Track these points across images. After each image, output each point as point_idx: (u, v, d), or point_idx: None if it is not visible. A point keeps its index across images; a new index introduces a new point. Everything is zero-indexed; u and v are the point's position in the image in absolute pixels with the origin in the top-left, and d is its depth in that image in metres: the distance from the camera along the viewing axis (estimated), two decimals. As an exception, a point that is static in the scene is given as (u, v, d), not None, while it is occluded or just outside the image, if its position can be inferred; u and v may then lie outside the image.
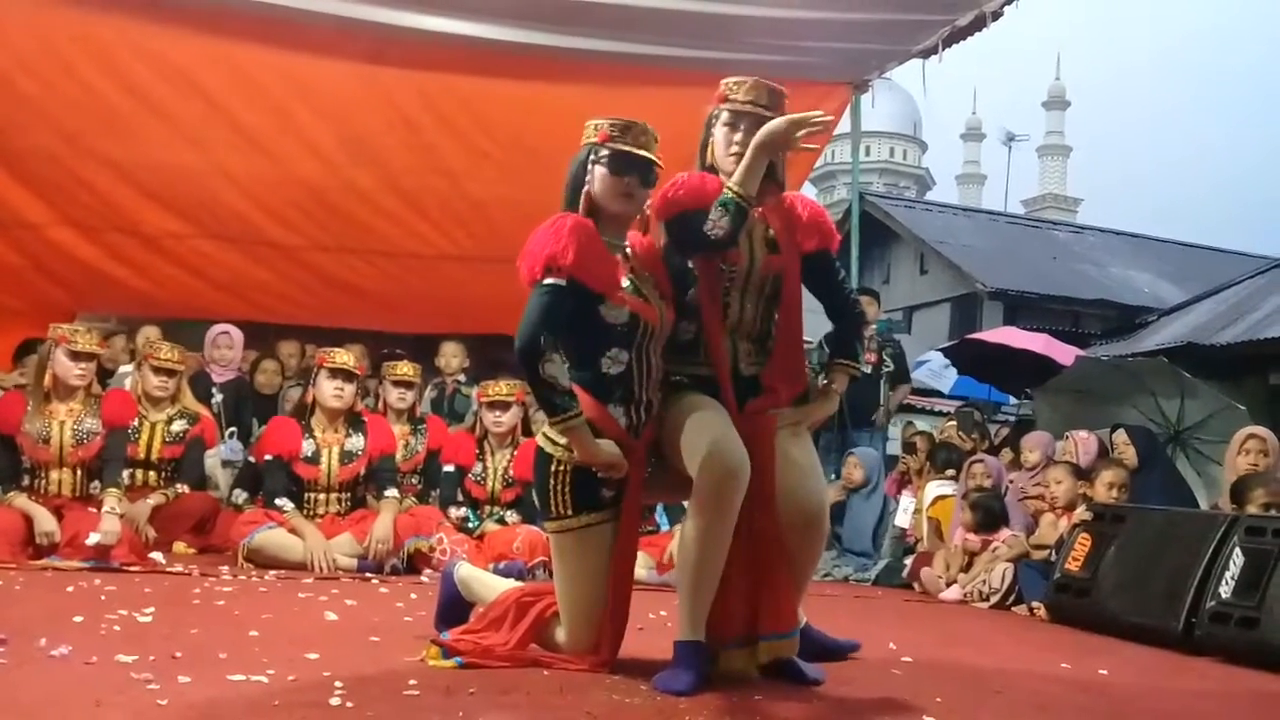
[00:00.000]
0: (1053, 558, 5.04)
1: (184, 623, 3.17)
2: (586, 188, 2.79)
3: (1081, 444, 5.99)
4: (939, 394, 13.74)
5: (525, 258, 2.68)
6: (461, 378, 6.87)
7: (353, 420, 5.36)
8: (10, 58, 5.90)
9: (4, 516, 4.61)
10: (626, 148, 2.78)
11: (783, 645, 2.79)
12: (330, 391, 5.26)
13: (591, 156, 2.79)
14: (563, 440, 2.73)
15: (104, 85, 6.06)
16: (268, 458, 5.21)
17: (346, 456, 5.27)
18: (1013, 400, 12.62)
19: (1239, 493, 4.70)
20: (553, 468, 2.76)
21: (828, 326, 3.17)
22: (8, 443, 4.86)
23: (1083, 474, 5.53)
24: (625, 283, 2.77)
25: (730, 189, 2.74)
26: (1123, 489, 5.22)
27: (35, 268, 6.63)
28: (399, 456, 5.70)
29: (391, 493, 5.28)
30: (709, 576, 2.69)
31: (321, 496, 5.21)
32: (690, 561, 2.70)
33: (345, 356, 5.36)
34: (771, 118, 2.81)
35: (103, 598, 3.59)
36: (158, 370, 5.60)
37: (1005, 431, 8.29)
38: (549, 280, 2.63)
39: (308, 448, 5.23)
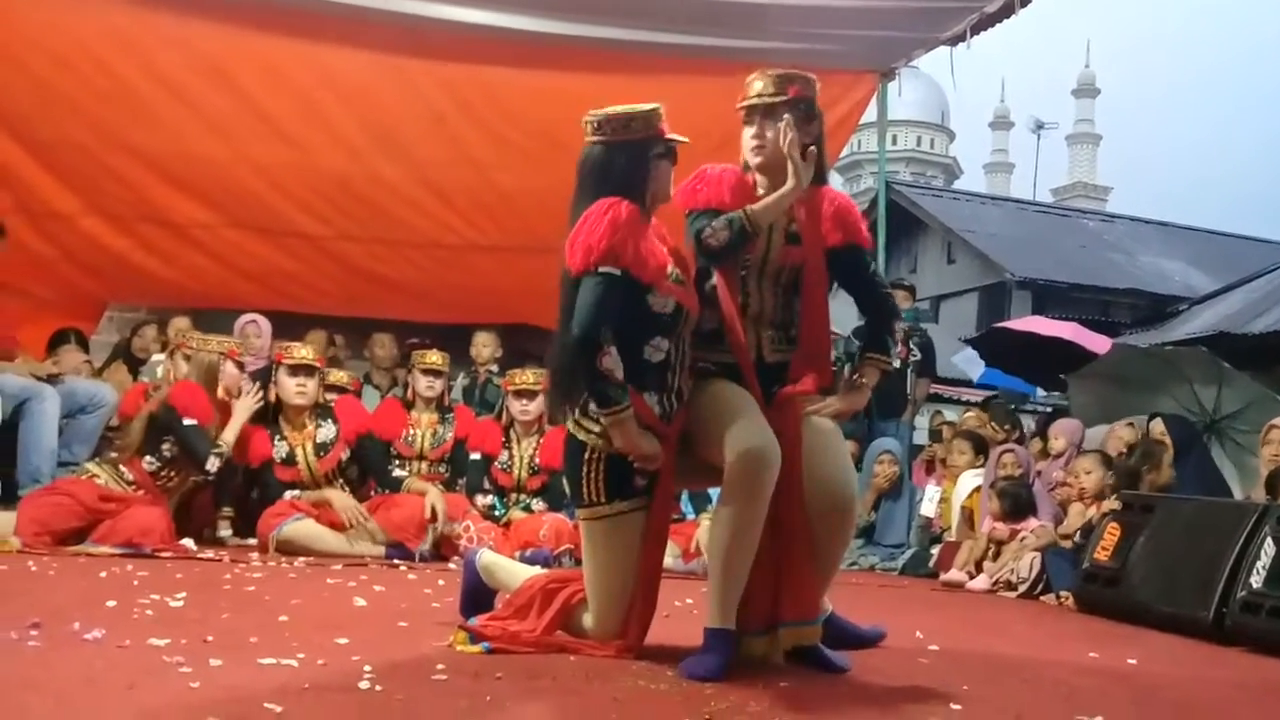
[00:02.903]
0: (1077, 538, 5.04)
1: (215, 607, 3.20)
2: (652, 187, 2.78)
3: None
4: (967, 383, 13.66)
5: (579, 247, 2.66)
6: (494, 367, 6.90)
7: (320, 411, 5.38)
8: (39, 50, 5.93)
9: (44, 504, 4.66)
10: (675, 136, 2.81)
11: (804, 633, 2.80)
12: (293, 389, 5.28)
13: (653, 152, 2.78)
14: (598, 428, 2.73)
15: (133, 76, 6.09)
16: (253, 467, 5.27)
17: (321, 449, 5.30)
18: (1041, 392, 12.52)
19: (1274, 484, 4.67)
20: (586, 455, 2.76)
21: (855, 317, 3.17)
22: (200, 431, 4.97)
23: (1111, 464, 5.51)
24: (669, 271, 2.78)
25: (746, 211, 2.75)
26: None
27: (66, 258, 6.69)
28: (427, 444, 5.75)
29: (398, 473, 5.31)
30: (739, 565, 2.70)
31: (312, 495, 5.23)
32: (721, 550, 2.70)
33: (304, 351, 5.39)
34: (779, 102, 2.84)
35: (135, 583, 3.63)
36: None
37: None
38: (604, 269, 2.62)
39: (280, 450, 5.25)
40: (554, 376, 2.84)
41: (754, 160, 2.92)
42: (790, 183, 2.77)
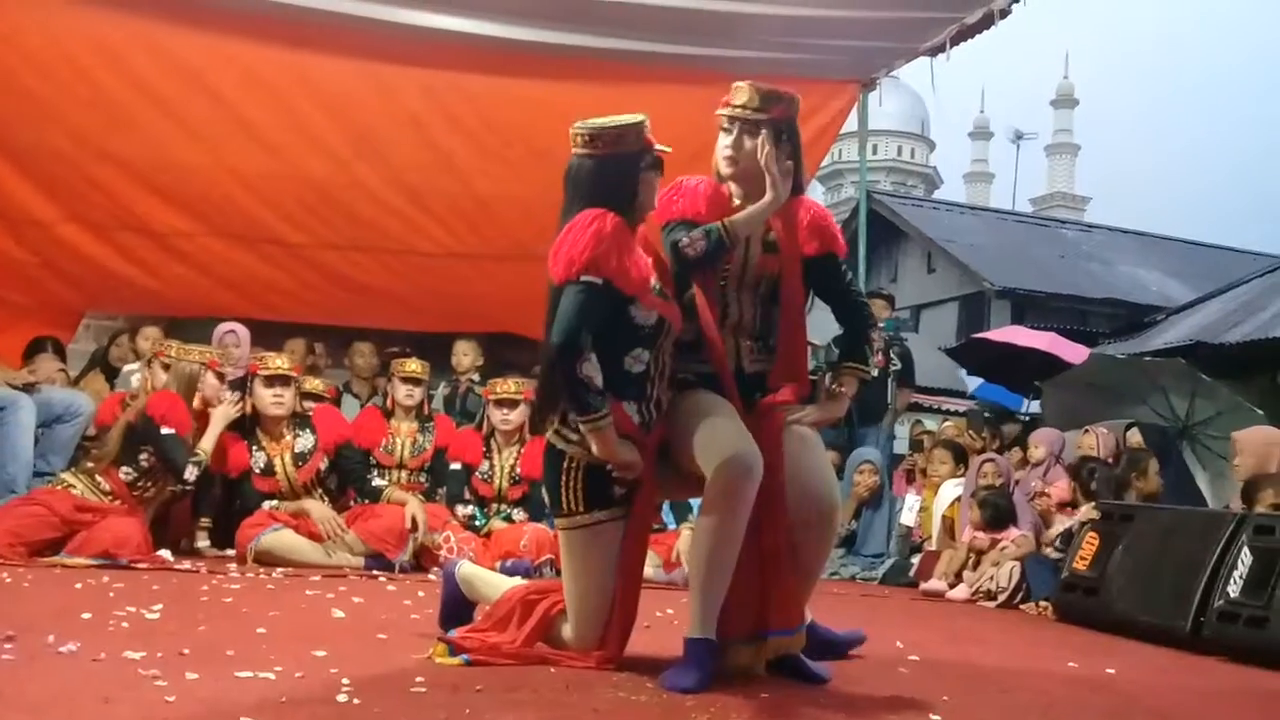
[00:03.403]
0: (1057, 544, 5.07)
1: (192, 620, 3.18)
2: (639, 196, 2.78)
3: (1102, 439, 6.01)
4: (948, 392, 13.68)
5: (562, 257, 2.66)
6: (475, 376, 6.88)
7: (298, 421, 5.36)
8: (19, 56, 5.90)
9: (19, 515, 4.61)
10: (661, 147, 2.82)
11: (789, 642, 2.80)
12: (270, 399, 5.25)
13: (643, 164, 2.79)
14: (575, 437, 2.72)
15: (112, 84, 6.06)
16: (232, 477, 5.24)
17: (299, 459, 5.27)
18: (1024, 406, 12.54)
19: (1248, 493, 4.70)
20: (565, 464, 2.76)
21: (835, 327, 3.18)
22: (178, 441, 4.91)
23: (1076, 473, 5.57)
24: (652, 283, 2.78)
25: (724, 223, 2.77)
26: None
27: (44, 266, 6.63)
28: (407, 453, 5.73)
29: (378, 482, 5.29)
30: (721, 575, 2.70)
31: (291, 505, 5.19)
32: (703, 559, 2.70)
33: (279, 361, 5.36)
34: (761, 120, 2.85)
35: (111, 595, 3.60)
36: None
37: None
38: (586, 278, 2.62)
39: (258, 461, 5.22)
40: (540, 387, 2.84)
41: (725, 170, 2.93)
42: (769, 196, 2.79)
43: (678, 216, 2.87)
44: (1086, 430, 6.28)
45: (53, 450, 5.46)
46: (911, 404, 8.96)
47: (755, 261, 2.91)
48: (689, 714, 2.33)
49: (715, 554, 2.68)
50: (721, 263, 2.86)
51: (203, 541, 5.24)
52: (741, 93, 2.91)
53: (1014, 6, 6.14)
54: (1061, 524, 5.39)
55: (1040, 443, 6.35)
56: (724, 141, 2.93)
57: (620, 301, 2.70)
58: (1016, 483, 6.12)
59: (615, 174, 2.76)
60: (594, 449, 2.69)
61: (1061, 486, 5.80)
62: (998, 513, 5.59)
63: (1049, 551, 5.29)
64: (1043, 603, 4.93)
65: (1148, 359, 8.33)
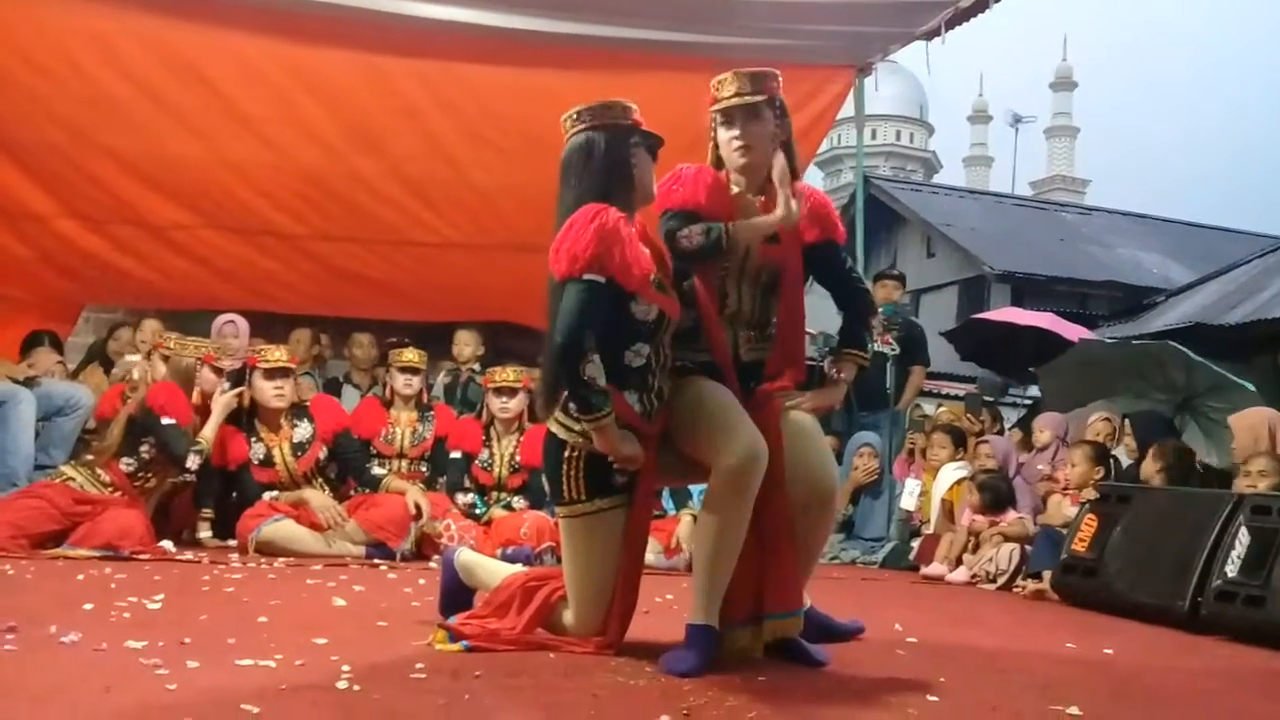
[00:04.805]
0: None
1: (193, 609, 3.19)
2: (636, 177, 2.78)
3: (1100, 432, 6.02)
4: (950, 377, 13.67)
5: (564, 253, 2.65)
6: (476, 366, 6.89)
7: (296, 411, 5.37)
8: (14, 50, 5.89)
9: (19, 508, 4.63)
10: (648, 132, 2.82)
11: (787, 624, 2.82)
12: (271, 392, 5.26)
13: (633, 142, 2.79)
14: (578, 426, 2.73)
15: (108, 77, 6.05)
16: (231, 469, 5.25)
17: (298, 449, 5.29)
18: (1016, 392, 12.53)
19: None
20: (566, 453, 2.77)
21: (832, 315, 3.20)
22: (179, 430, 4.94)
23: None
24: (652, 278, 2.77)
25: (728, 227, 2.78)
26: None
27: (42, 259, 6.63)
28: (407, 442, 5.74)
29: (378, 471, 5.31)
30: (725, 562, 2.72)
31: (291, 495, 5.20)
32: (707, 546, 2.72)
33: (278, 354, 5.37)
34: (759, 102, 2.87)
35: (113, 585, 3.61)
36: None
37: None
38: (588, 276, 2.62)
39: (257, 452, 5.24)
40: (542, 377, 2.85)
41: (739, 161, 2.92)
42: (779, 213, 2.80)
43: (677, 205, 2.87)
44: (1106, 417, 6.27)
45: (53, 443, 5.48)
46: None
47: (756, 253, 2.92)
48: (687, 698, 2.35)
49: (720, 542, 2.70)
50: (724, 256, 2.86)
51: (204, 533, 5.26)
52: (729, 83, 2.90)
53: (1008, -10, 6.11)
54: (1058, 506, 5.38)
55: (1045, 427, 6.35)
56: (729, 134, 2.92)
57: (622, 297, 2.70)
58: (1021, 465, 6.13)
59: (605, 145, 2.75)
60: (596, 445, 2.70)
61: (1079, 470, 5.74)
62: (997, 496, 5.59)
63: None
64: (1031, 581, 4.93)
65: (1135, 343, 8.31)
